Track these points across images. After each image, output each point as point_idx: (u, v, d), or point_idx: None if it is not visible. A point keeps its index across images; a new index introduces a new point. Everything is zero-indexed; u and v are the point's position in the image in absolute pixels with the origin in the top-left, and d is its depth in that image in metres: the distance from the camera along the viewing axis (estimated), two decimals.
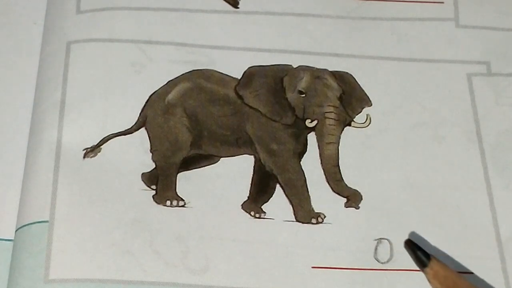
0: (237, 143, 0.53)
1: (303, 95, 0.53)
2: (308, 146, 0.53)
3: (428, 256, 0.47)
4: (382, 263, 0.49)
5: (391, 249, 0.50)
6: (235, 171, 0.52)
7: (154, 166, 0.52)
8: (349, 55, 0.56)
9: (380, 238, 0.50)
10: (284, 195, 0.52)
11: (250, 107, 0.53)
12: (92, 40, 0.55)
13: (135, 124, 0.53)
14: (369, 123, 0.53)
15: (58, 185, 0.50)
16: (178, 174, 0.52)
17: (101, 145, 0.52)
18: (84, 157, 0.51)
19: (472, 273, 0.49)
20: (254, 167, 0.52)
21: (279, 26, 0.57)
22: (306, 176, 0.52)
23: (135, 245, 0.49)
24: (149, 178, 0.51)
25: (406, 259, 0.49)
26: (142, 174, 0.51)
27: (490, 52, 0.56)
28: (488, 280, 0.49)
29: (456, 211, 0.51)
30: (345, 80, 0.54)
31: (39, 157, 0.51)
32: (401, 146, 0.53)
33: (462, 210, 0.51)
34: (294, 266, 0.49)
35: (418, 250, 0.47)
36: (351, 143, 0.53)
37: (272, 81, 0.54)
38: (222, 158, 0.53)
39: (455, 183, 0.52)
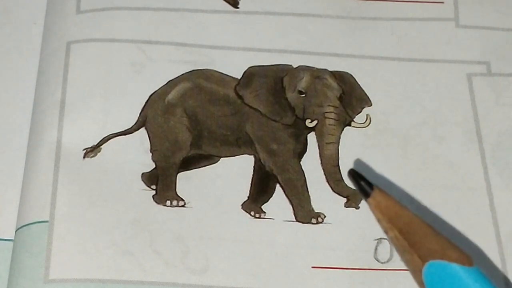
0: (237, 143, 0.53)
1: (303, 95, 0.53)
2: (308, 146, 0.53)
3: (371, 185, 0.46)
4: (382, 263, 0.49)
5: (391, 249, 0.50)
6: (235, 171, 0.52)
7: (154, 166, 0.52)
8: (349, 55, 0.56)
9: (380, 238, 0.50)
10: (284, 195, 0.52)
11: (250, 107, 0.53)
12: (92, 40, 0.55)
13: (135, 124, 0.53)
14: (369, 123, 0.53)
15: (58, 185, 0.50)
16: (178, 174, 0.52)
17: (101, 145, 0.52)
18: (84, 157, 0.51)
19: None
20: (254, 167, 0.52)
21: (279, 26, 0.57)
22: (306, 176, 0.52)
23: (135, 245, 0.49)
24: (149, 178, 0.51)
25: None
26: (142, 174, 0.51)
27: (490, 52, 0.56)
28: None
29: (456, 211, 0.51)
30: (345, 80, 0.54)
31: (39, 157, 0.51)
32: (401, 146, 0.53)
33: (462, 210, 0.51)
34: (294, 266, 0.49)
35: (361, 179, 0.46)
36: (351, 143, 0.53)
37: (272, 81, 0.54)
38: (222, 158, 0.53)
39: (455, 183, 0.52)
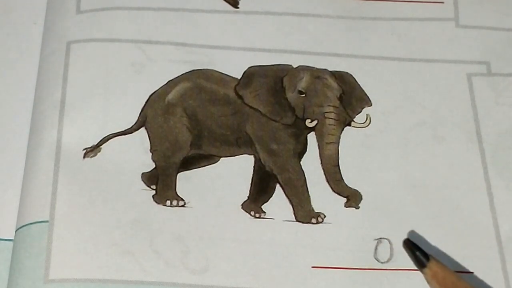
0: (237, 143, 0.53)
1: (303, 95, 0.53)
2: (308, 146, 0.53)
3: (427, 256, 0.47)
4: (382, 263, 0.49)
5: (391, 249, 0.50)
6: (235, 171, 0.52)
7: (154, 166, 0.52)
8: (349, 55, 0.56)
9: (380, 238, 0.50)
10: (284, 195, 0.52)
11: (250, 107, 0.53)
12: (92, 40, 0.55)
13: (135, 124, 0.53)
14: (369, 123, 0.53)
15: (58, 185, 0.50)
16: (178, 174, 0.52)
17: (101, 145, 0.52)
18: (84, 157, 0.51)
19: (472, 273, 0.49)
20: (254, 167, 0.52)
21: (279, 26, 0.57)
22: (306, 176, 0.52)
23: (135, 245, 0.49)
24: (149, 178, 0.51)
25: (406, 259, 0.49)
26: (142, 174, 0.51)
27: (490, 52, 0.56)
28: (488, 280, 0.49)
29: (456, 211, 0.51)
30: (345, 80, 0.54)
31: (39, 157, 0.51)
32: (401, 146, 0.53)
33: (462, 210, 0.51)
34: (294, 266, 0.49)
35: (417, 250, 0.47)
36: (351, 143, 0.53)
37: (272, 81, 0.54)
38: (222, 158, 0.53)
39: (455, 183, 0.52)
